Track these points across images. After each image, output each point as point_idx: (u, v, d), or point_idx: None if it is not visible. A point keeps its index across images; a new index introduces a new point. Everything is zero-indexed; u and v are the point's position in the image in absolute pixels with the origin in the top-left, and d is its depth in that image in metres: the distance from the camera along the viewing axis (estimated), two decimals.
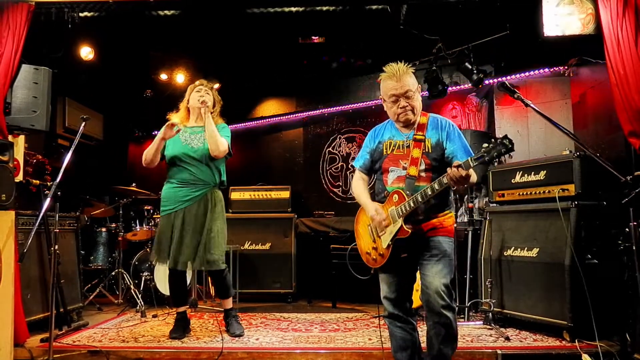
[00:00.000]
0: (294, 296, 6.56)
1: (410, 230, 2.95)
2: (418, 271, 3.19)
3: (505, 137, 2.63)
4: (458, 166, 2.76)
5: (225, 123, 4.70)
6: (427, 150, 3.07)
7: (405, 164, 3.08)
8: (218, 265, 4.47)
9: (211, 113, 4.52)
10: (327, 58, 7.27)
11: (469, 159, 2.75)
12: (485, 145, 2.70)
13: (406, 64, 3.13)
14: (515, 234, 4.82)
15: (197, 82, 4.69)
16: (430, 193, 2.87)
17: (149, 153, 4.45)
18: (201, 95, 4.54)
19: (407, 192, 2.98)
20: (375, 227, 3.15)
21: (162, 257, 4.46)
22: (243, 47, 6.77)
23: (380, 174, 3.23)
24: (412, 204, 2.92)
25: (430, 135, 3.11)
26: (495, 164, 2.79)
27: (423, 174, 3.03)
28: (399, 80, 3.05)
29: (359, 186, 3.37)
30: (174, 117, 4.65)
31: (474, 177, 2.95)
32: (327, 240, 6.44)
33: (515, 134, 6.56)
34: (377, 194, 3.25)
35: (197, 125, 4.60)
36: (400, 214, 2.98)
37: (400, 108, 3.09)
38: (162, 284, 6.13)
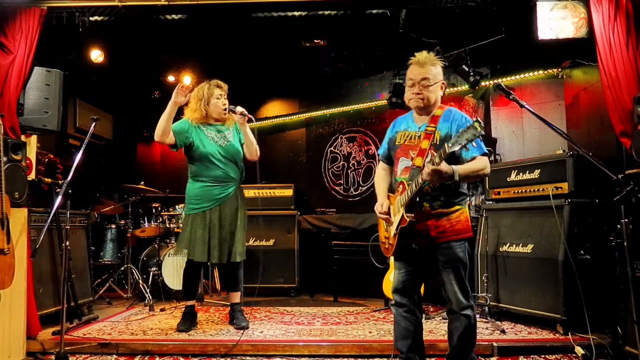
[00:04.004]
0: (297, 290, 6.56)
1: (409, 219, 2.91)
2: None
3: (476, 120, 2.58)
4: (430, 161, 2.78)
5: None
6: (435, 142, 3.00)
7: (414, 154, 3.05)
8: (243, 256, 4.62)
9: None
10: (329, 60, 7.29)
11: (441, 150, 2.71)
12: (460, 130, 2.65)
13: (437, 57, 3.12)
14: (510, 230, 4.82)
15: (212, 84, 4.61)
16: (419, 181, 2.82)
17: (162, 122, 4.37)
18: (224, 103, 4.56)
19: (409, 182, 2.96)
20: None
21: (201, 253, 4.44)
22: (248, 50, 6.77)
23: (393, 165, 3.24)
24: (409, 193, 2.90)
25: (440, 128, 3.04)
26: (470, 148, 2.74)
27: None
28: (421, 67, 3.05)
29: (378, 177, 3.42)
30: (190, 114, 4.61)
31: (465, 168, 2.87)
32: (329, 237, 6.44)
33: (511, 134, 6.56)
34: (392, 185, 3.27)
35: (218, 124, 4.62)
36: (402, 203, 2.97)
37: (413, 93, 3.07)
38: (170, 278, 6.14)
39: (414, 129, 3.16)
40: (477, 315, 4.82)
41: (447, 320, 3.17)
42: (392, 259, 5.07)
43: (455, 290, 3.01)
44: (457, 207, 3.06)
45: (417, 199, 2.95)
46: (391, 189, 3.29)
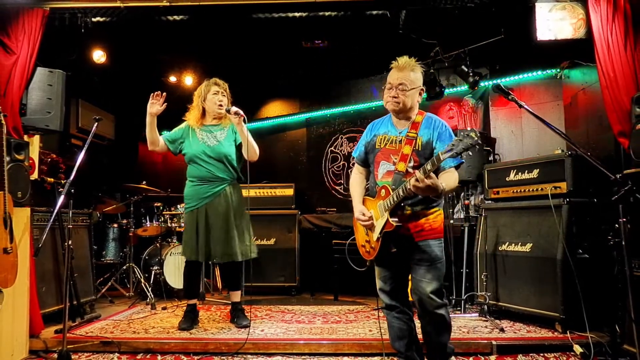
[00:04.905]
0: (298, 289, 6.57)
1: (395, 224, 2.92)
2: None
3: (472, 130, 2.61)
4: (416, 169, 2.80)
5: None
6: (417, 148, 3.05)
7: (396, 159, 3.07)
8: (251, 254, 4.56)
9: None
10: (329, 61, 7.29)
11: (434, 158, 2.72)
12: (455, 138, 2.67)
13: (418, 62, 3.13)
14: (509, 229, 4.82)
15: (211, 81, 4.64)
16: (409, 187, 2.79)
17: (147, 135, 4.49)
18: (220, 99, 4.57)
19: (393, 186, 2.96)
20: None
21: (190, 251, 4.48)
22: (249, 50, 6.77)
23: (373, 168, 3.23)
24: (395, 198, 2.90)
25: (422, 134, 3.08)
26: (463, 156, 2.73)
27: (411, 170, 2.98)
28: (399, 72, 3.09)
29: (354, 181, 3.41)
30: (191, 112, 4.66)
31: (445, 184, 2.83)
32: (329, 236, 6.44)
33: (510, 134, 6.56)
34: (370, 188, 3.25)
35: (213, 124, 4.63)
36: (386, 207, 2.96)
37: (389, 97, 3.11)
38: (172, 277, 6.15)
39: (394, 133, 3.18)
40: (477, 314, 4.85)
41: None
42: None
43: (431, 291, 2.98)
44: (436, 208, 3.10)
45: (401, 204, 2.98)
46: (368, 192, 3.29)
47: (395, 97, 3.09)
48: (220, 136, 4.58)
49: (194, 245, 4.46)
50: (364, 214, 3.12)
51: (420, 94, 3.16)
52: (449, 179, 2.90)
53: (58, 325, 4.38)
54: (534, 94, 6.41)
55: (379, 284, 3.26)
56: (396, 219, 2.95)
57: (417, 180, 2.71)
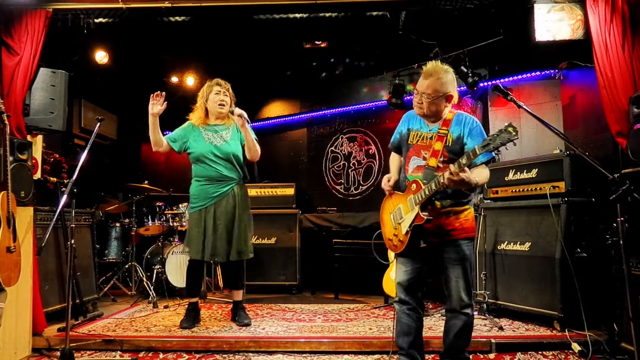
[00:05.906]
0: (299, 288, 6.56)
1: (425, 217, 2.95)
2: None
3: (510, 124, 2.61)
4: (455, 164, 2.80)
5: None
6: (448, 144, 3.07)
7: (426, 154, 3.10)
8: (247, 255, 4.56)
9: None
10: (330, 61, 7.30)
11: (470, 152, 2.75)
12: (492, 133, 2.68)
13: (446, 66, 3.14)
14: (508, 229, 4.82)
15: (213, 82, 4.64)
16: (442, 181, 2.83)
17: (150, 136, 4.47)
18: (221, 99, 4.56)
19: (424, 181, 2.99)
20: (394, 213, 3.20)
21: (196, 250, 4.47)
22: (250, 51, 6.77)
23: (404, 163, 3.27)
24: (427, 192, 2.93)
25: (453, 130, 3.10)
26: (496, 153, 2.77)
27: (441, 166, 3.02)
28: (424, 79, 3.09)
29: (392, 161, 3.52)
30: (194, 113, 4.66)
31: (477, 178, 2.88)
32: (329, 235, 6.45)
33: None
34: (401, 182, 3.29)
35: (217, 124, 4.62)
36: (417, 201, 2.99)
37: (415, 102, 3.17)
38: (173, 276, 6.15)
39: (425, 130, 3.22)
40: (476, 313, 4.84)
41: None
42: (392, 256, 5.10)
43: (460, 289, 3.05)
44: (466, 206, 3.13)
45: (432, 198, 3.00)
46: (397, 186, 3.32)
47: (420, 103, 3.14)
48: (226, 135, 4.58)
49: (200, 244, 4.45)
50: (389, 180, 3.27)
51: (448, 99, 3.14)
52: (480, 174, 2.95)
53: (61, 324, 4.38)
54: (533, 95, 6.40)
55: (397, 277, 3.27)
56: (426, 213, 2.97)
57: (451, 173, 2.75)
